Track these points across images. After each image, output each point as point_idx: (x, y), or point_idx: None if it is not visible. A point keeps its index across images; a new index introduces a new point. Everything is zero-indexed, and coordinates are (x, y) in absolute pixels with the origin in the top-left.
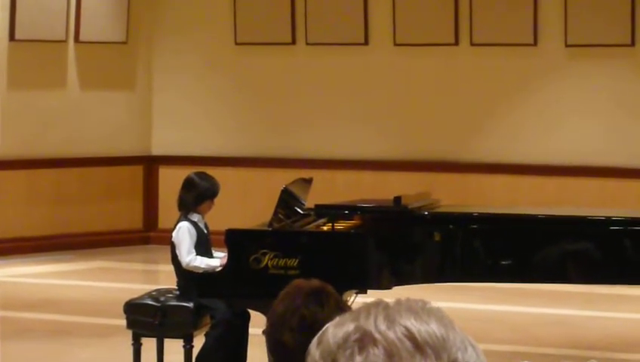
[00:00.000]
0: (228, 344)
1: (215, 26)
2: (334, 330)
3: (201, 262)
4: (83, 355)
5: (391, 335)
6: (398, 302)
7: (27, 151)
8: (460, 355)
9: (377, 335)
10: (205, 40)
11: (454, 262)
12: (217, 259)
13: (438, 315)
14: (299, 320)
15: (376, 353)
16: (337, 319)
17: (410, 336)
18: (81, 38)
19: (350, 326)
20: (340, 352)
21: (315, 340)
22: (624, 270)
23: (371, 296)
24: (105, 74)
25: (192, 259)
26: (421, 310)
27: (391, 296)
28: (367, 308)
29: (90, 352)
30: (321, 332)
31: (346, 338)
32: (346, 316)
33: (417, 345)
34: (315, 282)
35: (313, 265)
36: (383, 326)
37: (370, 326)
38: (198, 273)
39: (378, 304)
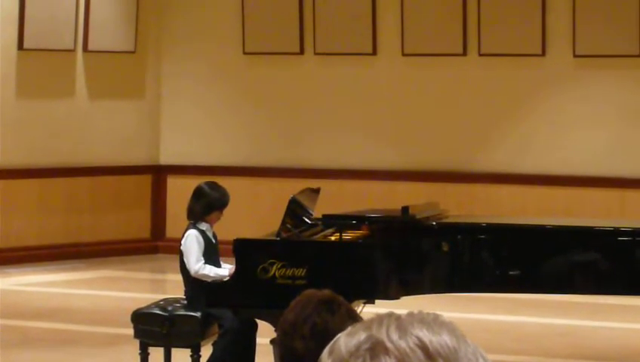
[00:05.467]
0: (235, 353)
1: (223, 35)
2: (346, 339)
3: (210, 271)
4: None
5: (403, 344)
6: (410, 314)
7: (36, 160)
8: None
9: (389, 345)
10: (213, 49)
11: (462, 272)
12: (226, 269)
13: (450, 327)
14: (311, 327)
15: None
16: (349, 329)
17: (422, 346)
18: (90, 47)
19: (362, 336)
20: (352, 361)
21: (326, 349)
22: (632, 280)
23: (379, 306)
24: (113, 83)
25: (200, 267)
26: (433, 321)
27: (399, 306)
28: (379, 318)
29: (97, 361)
30: (332, 341)
31: (358, 347)
32: (358, 326)
33: (429, 355)
34: (326, 292)
35: (321, 275)
36: (395, 336)
37: (382, 335)
38: (205, 282)
39: (390, 315)
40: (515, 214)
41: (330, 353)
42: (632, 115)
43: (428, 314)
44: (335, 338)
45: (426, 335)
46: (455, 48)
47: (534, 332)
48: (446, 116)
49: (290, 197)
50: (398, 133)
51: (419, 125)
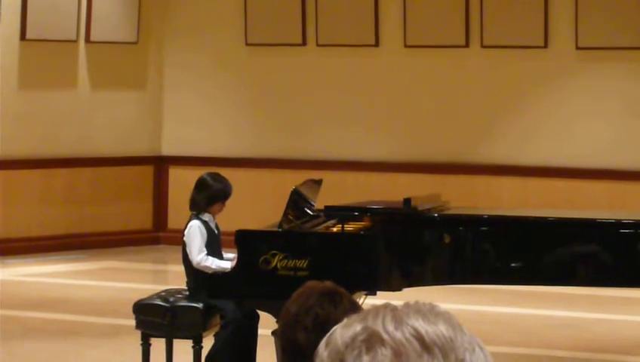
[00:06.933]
0: (237, 344)
1: (226, 26)
2: (342, 331)
3: (212, 263)
4: (92, 355)
5: (398, 335)
6: (406, 305)
7: (38, 150)
8: (467, 356)
9: (385, 336)
10: (216, 40)
11: (464, 264)
12: (228, 262)
13: (446, 317)
14: (313, 319)
15: (384, 353)
16: (345, 320)
17: (418, 336)
18: (92, 38)
19: (358, 327)
20: (348, 352)
21: (323, 341)
22: (633, 272)
23: (381, 297)
24: (115, 74)
25: (203, 259)
26: (429, 312)
27: (400, 297)
28: (375, 309)
29: (99, 352)
30: (329, 333)
31: (353, 339)
32: (354, 317)
33: (425, 345)
34: (328, 283)
35: (323, 267)
36: (390, 327)
37: (378, 326)
38: (207, 273)
39: (386, 306)
40: (516, 206)
41: (327, 345)
42: (634, 107)
43: (424, 304)
44: (331, 330)
45: (422, 325)
46: (457, 40)
47: (535, 323)
48: (448, 108)
49: (292, 189)
50: (399, 125)
51: (421, 117)
